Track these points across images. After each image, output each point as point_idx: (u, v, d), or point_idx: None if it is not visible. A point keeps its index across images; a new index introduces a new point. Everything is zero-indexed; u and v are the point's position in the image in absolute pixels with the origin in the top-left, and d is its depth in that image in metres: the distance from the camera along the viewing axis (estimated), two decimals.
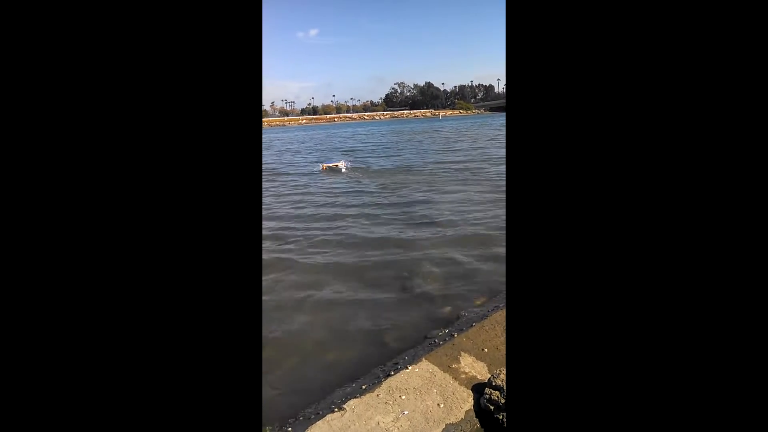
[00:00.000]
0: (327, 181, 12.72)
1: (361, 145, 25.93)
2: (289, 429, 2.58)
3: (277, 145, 29.84)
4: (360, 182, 12.06)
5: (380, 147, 24.00)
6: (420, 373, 2.89)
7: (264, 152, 19.66)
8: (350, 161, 15.98)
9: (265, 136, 46.81)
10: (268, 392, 2.97)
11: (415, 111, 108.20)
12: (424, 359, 3.06)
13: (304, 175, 13.87)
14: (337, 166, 14.87)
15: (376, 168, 14.86)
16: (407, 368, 2.95)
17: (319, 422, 2.49)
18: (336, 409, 2.59)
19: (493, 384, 2.46)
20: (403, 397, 2.63)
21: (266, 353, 3.44)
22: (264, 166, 13.06)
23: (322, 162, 16.00)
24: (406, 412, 2.49)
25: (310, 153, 21.90)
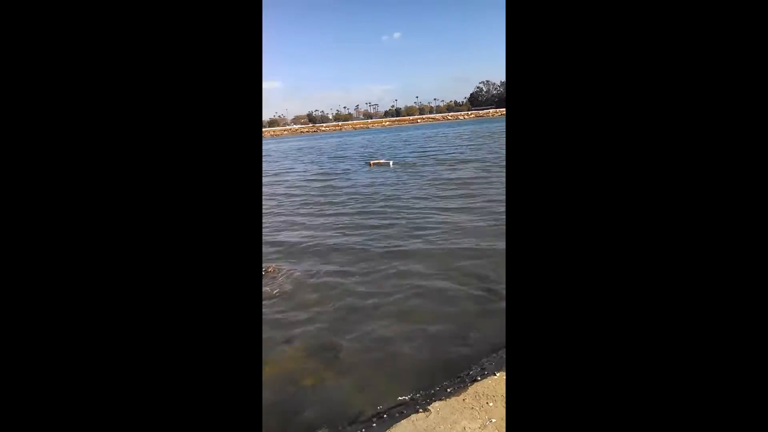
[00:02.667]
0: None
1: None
2: (374, 425, 2.60)
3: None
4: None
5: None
6: None
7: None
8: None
9: (317, 141, 49.10)
10: (352, 390, 3.02)
11: (500, 109, 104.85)
12: None
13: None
14: (384, 162, 17.80)
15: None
16: (495, 374, 2.83)
17: (404, 421, 2.48)
18: (421, 410, 2.56)
19: None
20: (491, 404, 2.52)
21: (349, 352, 3.53)
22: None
23: (371, 160, 19.13)
24: (493, 420, 2.39)
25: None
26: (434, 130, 49.27)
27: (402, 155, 21.34)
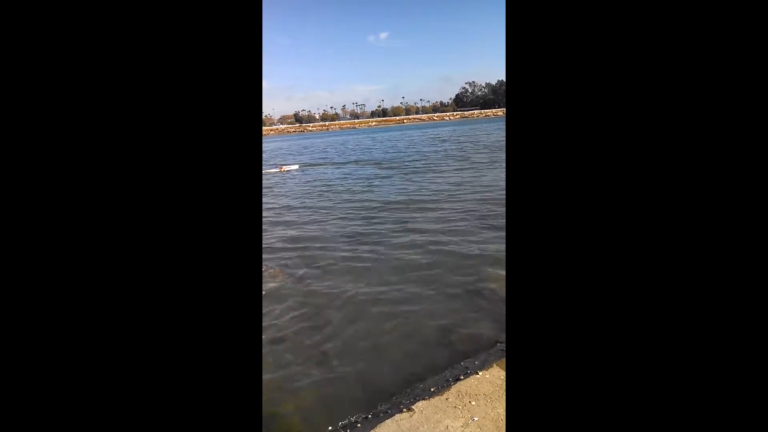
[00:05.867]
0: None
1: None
2: (359, 425, 2.63)
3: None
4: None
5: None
6: (491, 379, 2.80)
7: None
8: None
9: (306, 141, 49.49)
10: (338, 389, 3.04)
11: (486, 111, 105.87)
12: (495, 365, 2.97)
13: None
14: (292, 168, 18.97)
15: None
16: (477, 374, 2.88)
17: (388, 421, 2.51)
18: (405, 410, 2.59)
19: None
20: (473, 403, 2.57)
21: (334, 351, 3.55)
22: None
23: (282, 165, 19.96)
24: (476, 419, 2.43)
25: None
26: (406, 132, 49.72)
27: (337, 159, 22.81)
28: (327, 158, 23.83)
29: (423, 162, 17.51)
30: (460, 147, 23.50)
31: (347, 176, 15.11)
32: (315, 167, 19.16)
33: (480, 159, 16.68)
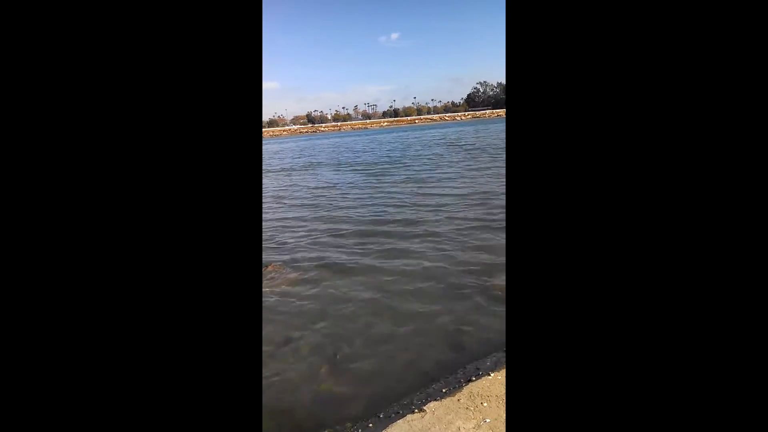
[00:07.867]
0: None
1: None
2: (371, 425, 2.63)
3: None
4: None
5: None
6: (503, 380, 2.78)
7: None
8: None
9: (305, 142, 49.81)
10: (349, 389, 3.05)
11: (497, 110, 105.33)
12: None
13: None
14: None
15: None
16: (489, 375, 2.86)
17: (400, 421, 2.50)
18: (416, 410, 2.58)
19: None
20: (485, 405, 2.55)
21: (344, 351, 3.56)
22: None
23: None
24: (488, 420, 2.41)
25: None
26: (411, 133, 49.68)
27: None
28: (315, 161, 23.81)
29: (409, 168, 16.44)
30: (459, 150, 22.16)
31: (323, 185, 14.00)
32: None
33: (473, 165, 15.27)
